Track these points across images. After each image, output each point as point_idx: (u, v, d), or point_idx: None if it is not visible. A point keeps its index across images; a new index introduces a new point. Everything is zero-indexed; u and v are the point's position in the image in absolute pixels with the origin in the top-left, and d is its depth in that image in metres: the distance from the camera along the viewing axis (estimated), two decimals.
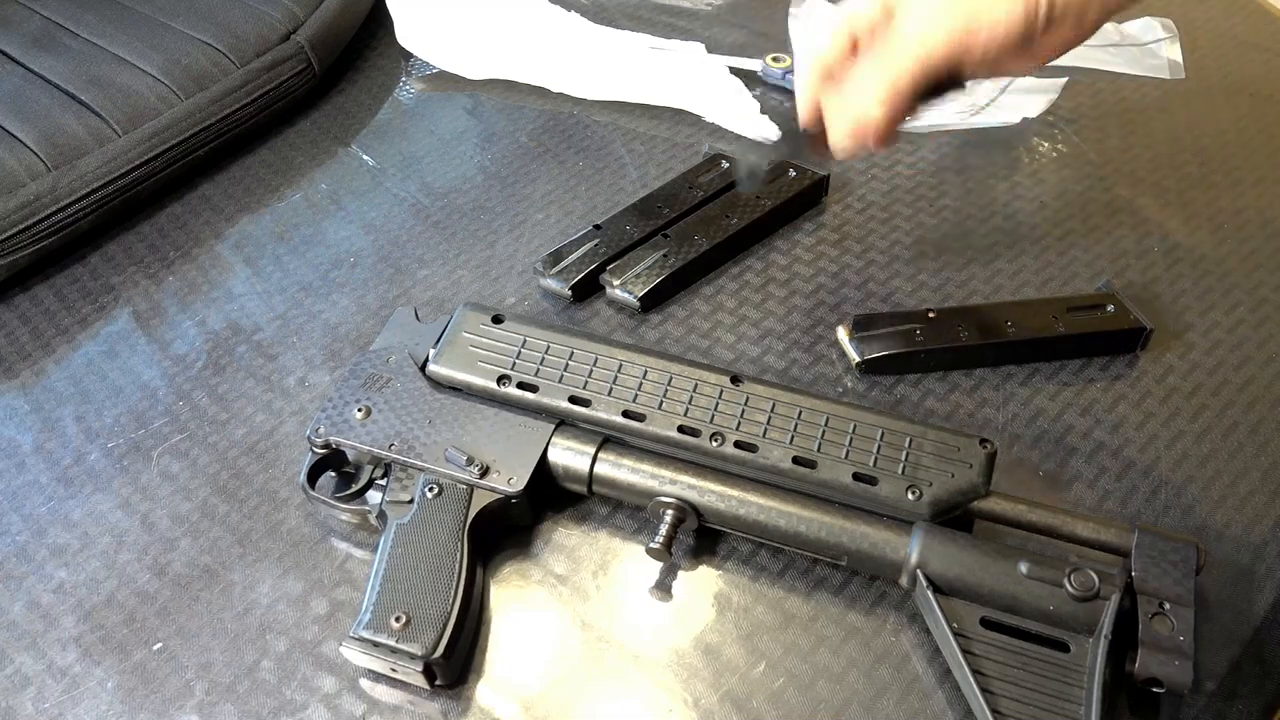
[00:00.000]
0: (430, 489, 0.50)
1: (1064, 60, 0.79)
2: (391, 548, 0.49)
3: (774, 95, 0.78)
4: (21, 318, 0.65)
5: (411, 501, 0.50)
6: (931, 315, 0.60)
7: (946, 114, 0.76)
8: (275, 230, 0.70)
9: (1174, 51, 0.81)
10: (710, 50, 0.81)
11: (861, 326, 0.59)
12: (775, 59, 0.79)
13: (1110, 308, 0.59)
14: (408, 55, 0.83)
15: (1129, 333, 0.59)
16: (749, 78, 0.79)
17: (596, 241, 0.65)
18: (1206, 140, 0.74)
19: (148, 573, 0.52)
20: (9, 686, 0.48)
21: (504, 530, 0.52)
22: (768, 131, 0.75)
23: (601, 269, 0.64)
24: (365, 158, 0.75)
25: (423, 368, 0.55)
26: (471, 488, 0.50)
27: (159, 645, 0.49)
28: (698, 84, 0.78)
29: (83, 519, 0.54)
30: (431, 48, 0.81)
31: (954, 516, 0.49)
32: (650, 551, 0.49)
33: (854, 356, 0.59)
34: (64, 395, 0.60)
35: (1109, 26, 0.83)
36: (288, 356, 0.62)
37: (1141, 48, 0.82)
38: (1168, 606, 0.44)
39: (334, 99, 0.80)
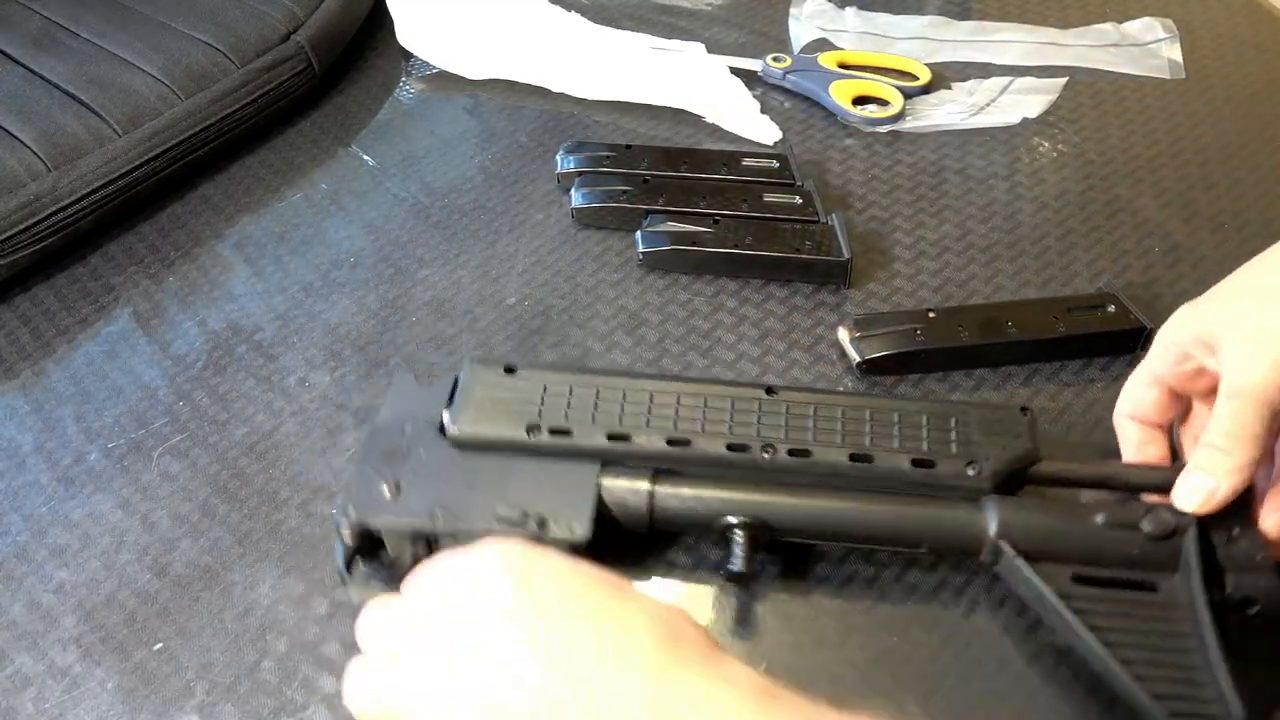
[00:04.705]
0: None
1: (1064, 60, 0.80)
2: None
3: (774, 95, 0.79)
4: (21, 318, 0.65)
5: None
6: (931, 315, 0.60)
7: (946, 114, 0.76)
8: (275, 230, 0.70)
9: (1174, 51, 0.81)
10: (710, 50, 0.81)
11: (862, 326, 0.59)
12: (775, 59, 0.79)
13: (1110, 308, 0.59)
14: (408, 55, 0.83)
15: (1129, 333, 0.59)
16: (749, 78, 0.79)
17: (612, 154, 0.70)
18: (1206, 140, 0.74)
19: (148, 573, 0.52)
20: (9, 687, 0.48)
21: None
22: (768, 132, 0.75)
23: (584, 174, 0.69)
24: (365, 158, 0.75)
25: (439, 432, 0.50)
26: (540, 542, 0.46)
27: (159, 645, 0.49)
28: (698, 84, 0.78)
29: (83, 519, 0.54)
30: (431, 48, 0.81)
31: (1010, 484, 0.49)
32: (730, 576, 0.47)
33: (854, 356, 0.59)
34: (64, 395, 0.60)
35: (1109, 26, 0.84)
36: (288, 356, 0.61)
37: (1141, 48, 0.82)
38: (1237, 530, 0.46)
39: (334, 99, 0.80)
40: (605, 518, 0.48)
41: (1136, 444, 0.51)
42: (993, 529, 0.47)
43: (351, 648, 0.48)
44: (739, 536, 0.47)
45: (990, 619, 0.49)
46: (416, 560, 0.47)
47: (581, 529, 0.47)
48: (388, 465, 0.49)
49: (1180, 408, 0.51)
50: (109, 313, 0.65)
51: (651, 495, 0.48)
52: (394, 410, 0.51)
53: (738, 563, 0.47)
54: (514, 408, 0.50)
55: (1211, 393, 0.47)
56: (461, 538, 0.46)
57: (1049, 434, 0.56)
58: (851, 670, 0.47)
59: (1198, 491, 0.46)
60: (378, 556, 0.49)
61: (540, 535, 0.46)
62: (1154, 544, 0.46)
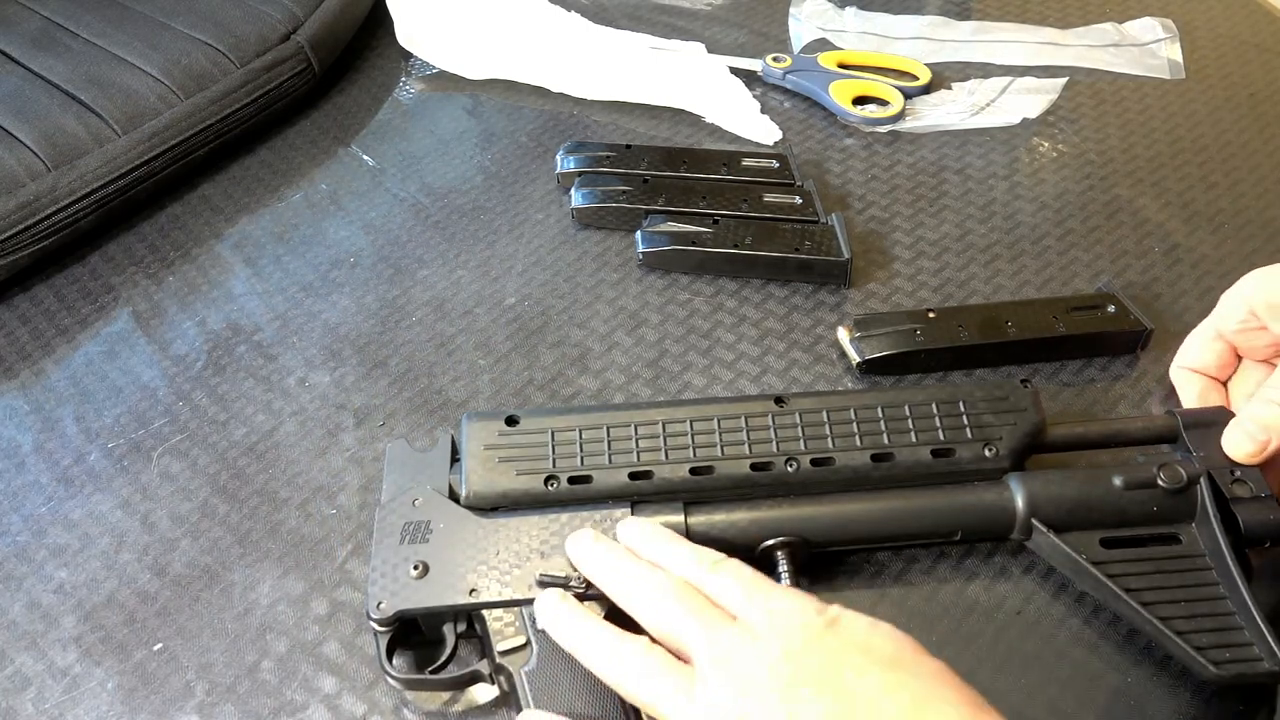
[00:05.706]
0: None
1: (1064, 60, 0.80)
2: (535, 698, 0.43)
3: (774, 95, 0.79)
4: (21, 318, 0.65)
5: (528, 643, 0.45)
6: (931, 315, 0.60)
7: (946, 114, 0.76)
8: (275, 230, 0.70)
9: (1174, 51, 0.81)
10: (710, 50, 0.81)
11: (862, 326, 0.59)
12: (775, 59, 0.79)
13: (1110, 308, 0.59)
14: (408, 55, 0.83)
15: (1129, 333, 0.59)
16: (749, 78, 0.79)
17: (612, 154, 0.70)
18: (1206, 140, 0.74)
19: (148, 573, 0.52)
20: (9, 687, 0.48)
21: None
22: (768, 132, 0.75)
23: (584, 174, 0.69)
24: (365, 158, 0.75)
25: (452, 499, 0.49)
26: (583, 600, 0.45)
27: (159, 645, 0.49)
28: (698, 84, 0.78)
29: (83, 519, 0.54)
30: (431, 48, 0.81)
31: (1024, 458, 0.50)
32: None
33: (854, 356, 0.59)
34: (64, 395, 0.60)
35: (1109, 26, 0.84)
36: (288, 356, 0.61)
37: (1141, 48, 0.82)
38: (1238, 472, 0.48)
39: (334, 99, 0.80)
40: None
41: (1198, 393, 0.54)
42: (1021, 507, 0.48)
43: (350, 647, 0.49)
44: (782, 558, 0.47)
45: (986, 620, 0.49)
46: (458, 634, 0.46)
47: None
48: (408, 545, 0.47)
49: (1236, 364, 0.54)
50: (108, 313, 0.65)
51: (688, 529, 0.48)
52: (396, 484, 0.49)
53: (786, 582, 0.47)
54: (525, 460, 0.49)
55: (1267, 355, 0.51)
56: (506, 608, 0.46)
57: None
58: None
59: (1252, 440, 0.48)
60: (412, 642, 0.48)
61: (589, 594, 0.45)
62: (1172, 497, 0.47)
